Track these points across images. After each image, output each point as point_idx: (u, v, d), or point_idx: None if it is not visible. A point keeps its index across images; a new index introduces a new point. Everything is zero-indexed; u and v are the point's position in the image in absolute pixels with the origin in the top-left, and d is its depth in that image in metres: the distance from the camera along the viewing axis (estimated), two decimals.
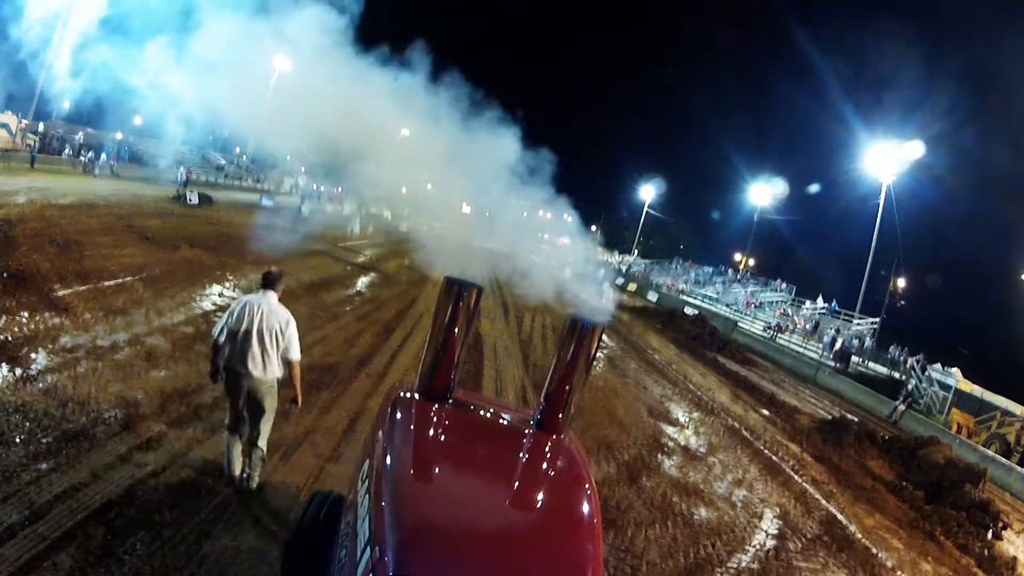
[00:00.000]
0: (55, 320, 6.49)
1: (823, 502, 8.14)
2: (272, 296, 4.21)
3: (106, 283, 8.46)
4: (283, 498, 4.30)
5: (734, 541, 6.06)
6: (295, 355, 4.21)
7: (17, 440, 4.11)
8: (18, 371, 5.08)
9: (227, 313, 4.15)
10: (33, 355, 5.49)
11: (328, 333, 8.95)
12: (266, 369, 4.11)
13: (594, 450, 7.32)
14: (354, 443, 5.40)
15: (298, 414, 5.44)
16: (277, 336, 4.12)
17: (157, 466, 4.25)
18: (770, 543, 6.27)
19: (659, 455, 7.98)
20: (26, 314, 6.43)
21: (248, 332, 4.05)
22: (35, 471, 3.83)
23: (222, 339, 4.08)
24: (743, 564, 5.64)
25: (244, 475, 4.21)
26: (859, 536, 7.32)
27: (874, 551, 7.01)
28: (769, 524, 6.77)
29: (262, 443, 4.22)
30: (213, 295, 9.46)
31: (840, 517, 7.75)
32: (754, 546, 6.10)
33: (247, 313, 4.08)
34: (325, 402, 6.28)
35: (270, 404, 4.21)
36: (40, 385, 4.95)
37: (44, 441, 4.19)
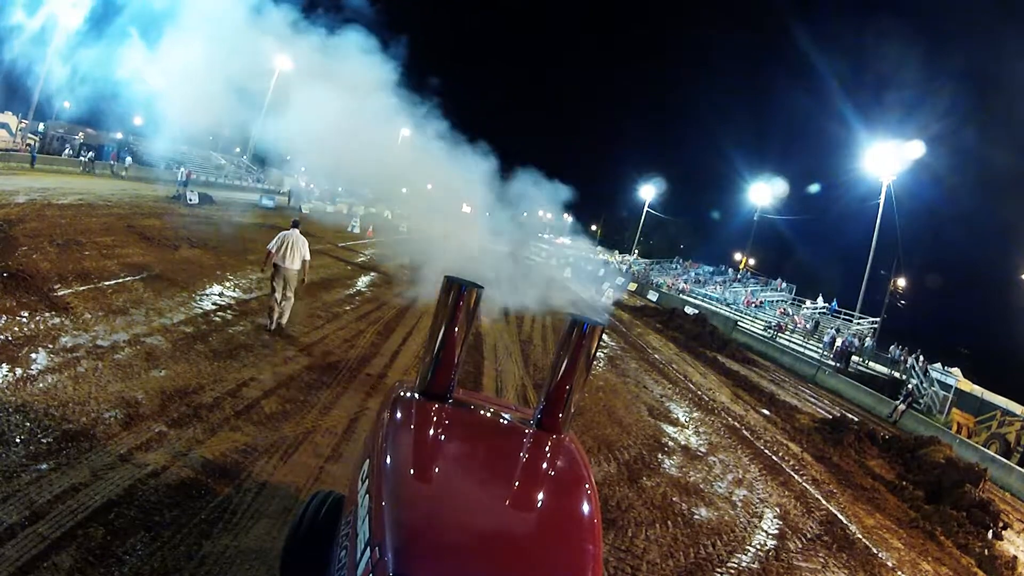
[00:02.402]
0: (55, 320, 6.50)
1: (823, 502, 8.14)
2: (296, 230, 8.20)
3: (106, 283, 8.46)
4: (283, 498, 4.30)
5: (734, 541, 6.05)
6: (307, 256, 8.27)
7: (17, 440, 4.11)
8: (18, 371, 5.08)
9: (276, 238, 8.11)
10: (33, 355, 5.49)
11: (328, 333, 8.95)
12: (294, 263, 8.12)
13: (594, 450, 7.32)
14: (354, 443, 5.40)
15: (298, 414, 5.86)
16: (300, 248, 8.17)
17: (157, 466, 4.25)
18: (770, 543, 6.27)
19: (659, 455, 7.98)
20: (26, 314, 6.43)
21: (288, 247, 8.08)
22: (35, 471, 3.83)
23: (273, 249, 8.05)
24: (743, 564, 5.63)
25: (280, 317, 8.19)
26: (859, 536, 7.32)
27: (874, 551, 7.01)
28: (769, 524, 6.77)
29: (290, 295, 8.27)
30: (213, 295, 9.45)
31: (840, 517, 7.75)
32: (754, 546, 6.10)
33: (285, 238, 8.10)
34: (325, 402, 6.29)
35: (295, 280, 8.25)
36: (40, 385, 4.95)
37: (44, 441, 4.19)
